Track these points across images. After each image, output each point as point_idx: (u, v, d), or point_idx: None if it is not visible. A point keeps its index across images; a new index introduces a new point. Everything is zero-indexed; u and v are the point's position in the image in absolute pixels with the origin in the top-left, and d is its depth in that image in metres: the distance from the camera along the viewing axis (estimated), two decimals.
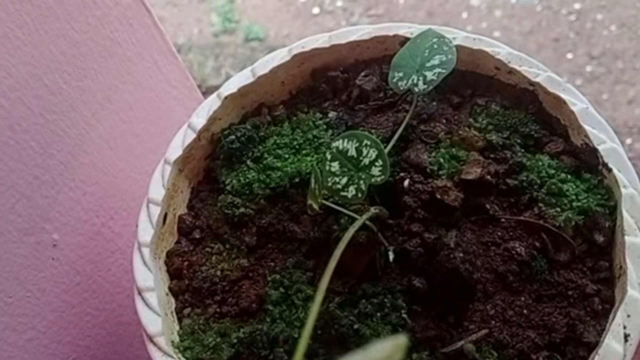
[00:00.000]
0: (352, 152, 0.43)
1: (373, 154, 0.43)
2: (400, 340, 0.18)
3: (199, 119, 0.54)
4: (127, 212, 0.61)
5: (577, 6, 1.73)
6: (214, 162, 0.55)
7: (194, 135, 0.53)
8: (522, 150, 0.49)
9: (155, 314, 0.47)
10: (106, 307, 0.59)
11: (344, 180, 0.43)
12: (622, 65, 1.61)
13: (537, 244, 0.45)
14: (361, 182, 0.43)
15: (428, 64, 0.48)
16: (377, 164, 0.42)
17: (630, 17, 1.66)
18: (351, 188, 0.43)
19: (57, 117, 0.50)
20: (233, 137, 0.53)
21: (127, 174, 0.60)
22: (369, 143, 0.43)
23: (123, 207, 0.60)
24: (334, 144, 0.44)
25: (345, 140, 0.44)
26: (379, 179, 0.42)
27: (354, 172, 0.43)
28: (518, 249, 0.45)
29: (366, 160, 0.43)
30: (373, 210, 0.43)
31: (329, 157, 0.44)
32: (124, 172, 0.59)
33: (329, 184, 0.44)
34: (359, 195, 0.43)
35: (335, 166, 0.44)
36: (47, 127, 0.49)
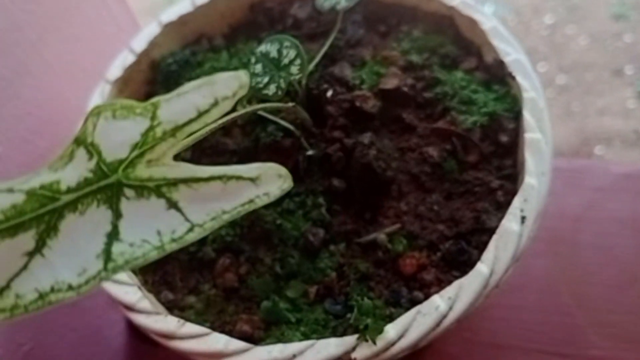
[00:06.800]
0: (274, 54, 0.46)
1: (292, 54, 0.46)
2: (242, 76, 0.21)
3: (140, 43, 0.56)
4: None
5: (548, 20, 1.78)
6: (154, 87, 0.58)
7: (134, 58, 0.56)
8: (440, 69, 0.53)
9: None
10: None
11: (266, 79, 0.46)
12: (591, 78, 1.65)
13: (449, 148, 0.49)
14: (281, 80, 0.46)
15: None
16: (295, 62, 0.46)
17: (600, 32, 1.72)
18: (272, 86, 0.46)
19: (1, 34, 0.52)
20: (171, 60, 0.56)
21: (73, 104, 0.62)
22: (288, 44, 0.46)
23: (69, 136, 0.62)
24: (258, 49, 0.47)
25: (268, 44, 0.47)
26: (297, 76, 0.46)
27: (275, 72, 0.46)
28: (431, 152, 0.48)
29: (286, 60, 0.46)
30: (290, 105, 0.45)
31: (253, 60, 0.47)
32: (69, 101, 0.62)
33: (253, 84, 0.47)
34: (279, 92, 0.46)
35: (258, 68, 0.47)
36: None
